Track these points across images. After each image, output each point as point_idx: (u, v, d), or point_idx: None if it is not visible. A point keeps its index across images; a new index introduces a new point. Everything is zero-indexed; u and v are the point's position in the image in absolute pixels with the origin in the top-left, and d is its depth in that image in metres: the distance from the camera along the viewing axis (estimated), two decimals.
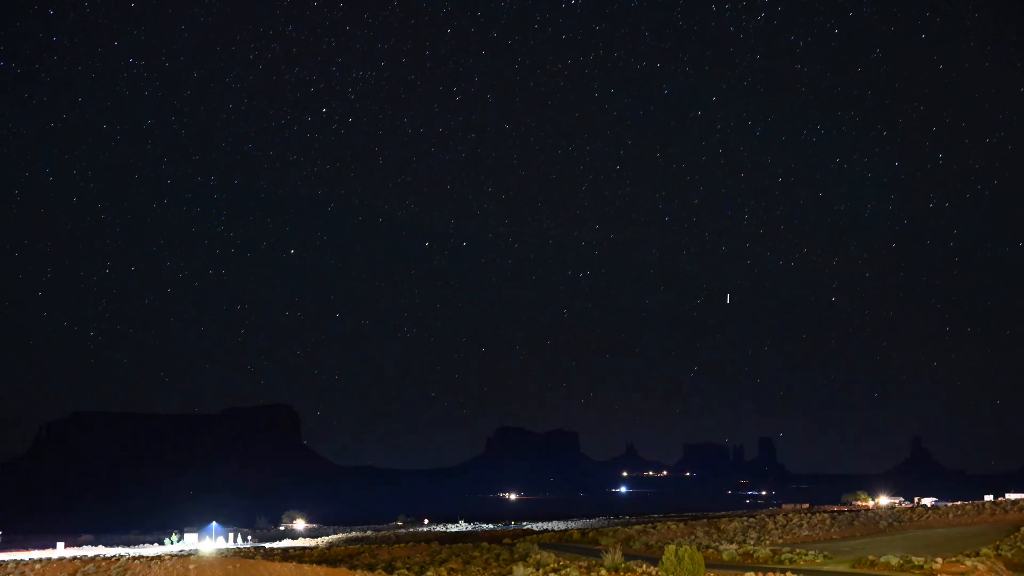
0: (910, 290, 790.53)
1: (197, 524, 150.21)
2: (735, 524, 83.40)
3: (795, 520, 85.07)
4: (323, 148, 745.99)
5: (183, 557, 45.82)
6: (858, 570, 43.19)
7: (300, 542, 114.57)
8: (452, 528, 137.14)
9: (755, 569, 42.52)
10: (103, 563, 40.53)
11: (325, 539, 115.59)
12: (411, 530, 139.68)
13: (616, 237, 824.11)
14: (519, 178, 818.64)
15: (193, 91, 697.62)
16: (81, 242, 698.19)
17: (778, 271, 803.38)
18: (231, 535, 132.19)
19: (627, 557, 45.66)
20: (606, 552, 46.18)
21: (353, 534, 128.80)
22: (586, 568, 43.49)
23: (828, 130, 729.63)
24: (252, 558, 56.38)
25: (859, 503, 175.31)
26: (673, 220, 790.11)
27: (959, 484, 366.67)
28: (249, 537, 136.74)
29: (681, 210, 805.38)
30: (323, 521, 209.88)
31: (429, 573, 47.95)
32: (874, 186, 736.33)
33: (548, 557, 52.61)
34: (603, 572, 41.52)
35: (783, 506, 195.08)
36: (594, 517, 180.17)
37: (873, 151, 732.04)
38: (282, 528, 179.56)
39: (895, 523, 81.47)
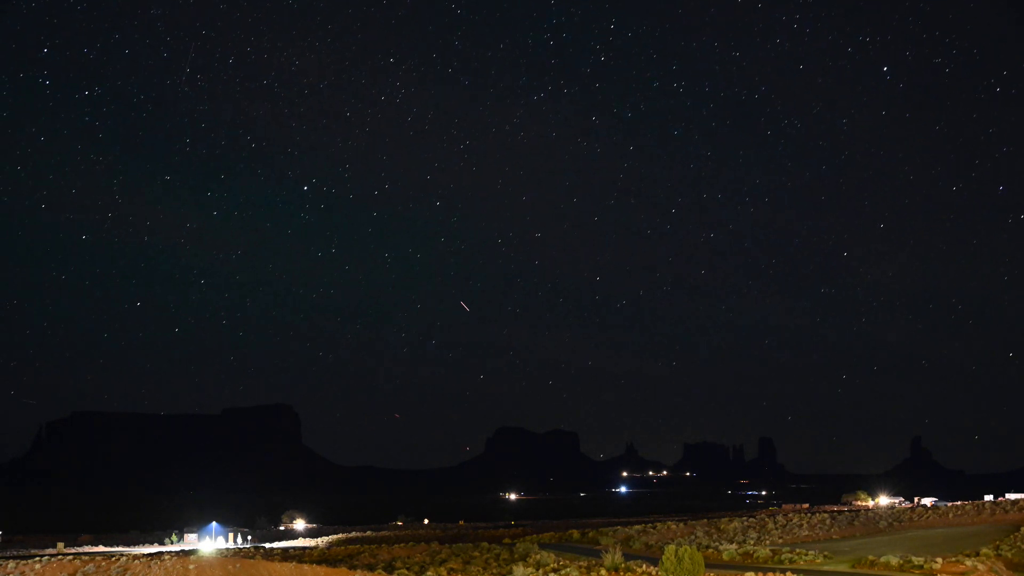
0: (910, 289, 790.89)
1: (197, 524, 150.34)
2: (735, 524, 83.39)
3: (795, 520, 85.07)
4: (321, 150, 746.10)
5: (183, 557, 45.78)
6: (858, 570, 43.19)
7: (300, 542, 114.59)
8: (452, 528, 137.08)
9: (755, 569, 42.52)
10: (103, 563, 40.48)
11: (325, 539, 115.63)
12: (411, 531, 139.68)
13: (617, 237, 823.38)
14: (514, 178, 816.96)
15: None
16: (81, 242, 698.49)
17: (778, 272, 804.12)
18: (231, 535, 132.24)
19: (627, 557, 45.63)
20: (606, 552, 46.13)
21: (353, 534, 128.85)
22: (586, 568, 43.47)
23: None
24: (252, 558, 56.35)
25: (859, 503, 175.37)
26: (677, 223, 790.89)
27: (959, 484, 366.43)
28: (249, 537, 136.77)
29: (681, 213, 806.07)
30: (323, 521, 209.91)
31: (429, 573, 47.92)
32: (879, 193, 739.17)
33: (548, 557, 52.58)
34: (603, 572, 41.50)
35: (783, 506, 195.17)
36: (594, 517, 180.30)
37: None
38: (282, 528, 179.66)
39: (895, 523, 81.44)
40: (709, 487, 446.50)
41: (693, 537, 70.93)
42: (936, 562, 40.87)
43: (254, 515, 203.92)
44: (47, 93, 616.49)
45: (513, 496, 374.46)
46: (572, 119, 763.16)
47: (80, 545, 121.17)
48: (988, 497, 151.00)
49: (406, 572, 49.48)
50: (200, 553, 73.26)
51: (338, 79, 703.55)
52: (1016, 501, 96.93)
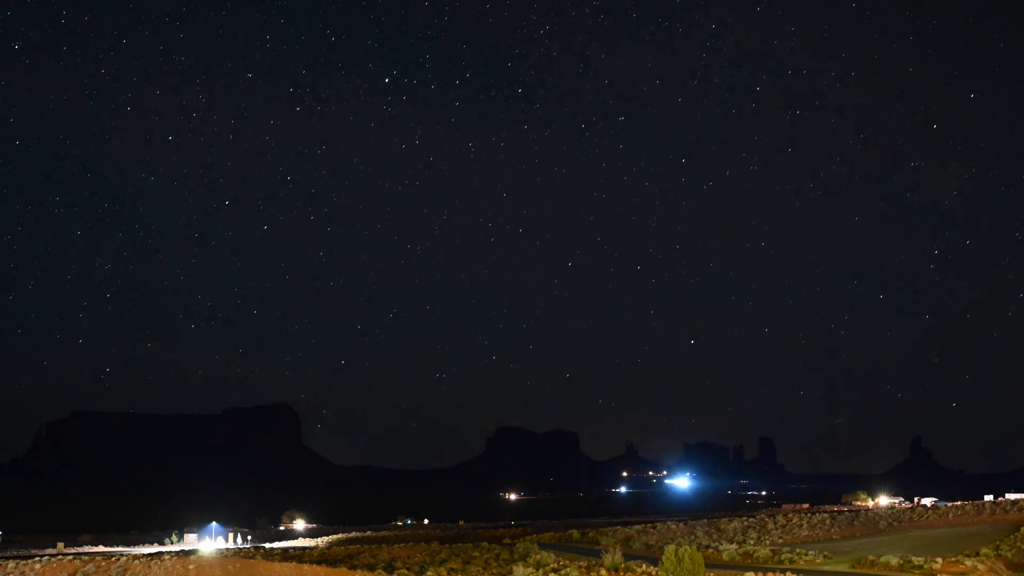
0: (909, 289, 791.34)
1: (197, 524, 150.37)
2: (735, 524, 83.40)
3: (795, 520, 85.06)
4: (323, 150, 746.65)
5: (183, 557, 45.82)
6: (858, 570, 43.16)
7: (300, 542, 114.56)
8: (452, 528, 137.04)
9: (755, 569, 42.49)
10: (103, 563, 40.51)
11: (325, 539, 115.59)
12: (411, 530, 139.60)
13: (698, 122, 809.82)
14: (594, 62, 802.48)
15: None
16: (81, 242, 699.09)
17: (778, 273, 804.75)
18: (231, 535, 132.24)
19: (627, 557, 45.59)
20: (606, 552, 46.11)
21: (353, 534, 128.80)
22: (586, 568, 43.45)
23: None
24: (252, 558, 56.36)
25: (859, 503, 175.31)
26: (760, 99, 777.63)
27: (959, 484, 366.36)
28: (249, 537, 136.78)
29: (682, 213, 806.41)
30: (323, 521, 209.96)
31: (429, 573, 47.92)
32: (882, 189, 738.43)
33: (548, 557, 52.57)
34: (603, 572, 41.48)
35: (783, 506, 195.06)
36: (594, 517, 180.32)
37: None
38: (282, 528, 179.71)
39: (895, 523, 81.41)
40: (709, 487, 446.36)
41: (693, 537, 70.90)
42: (936, 562, 40.84)
43: (254, 515, 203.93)
44: None
45: (513, 496, 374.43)
46: None
47: (80, 545, 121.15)
48: (988, 497, 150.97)
49: (406, 572, 49.47)
50: (200, 553, 73.23)
51: None
52: (1016, 501, 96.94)
